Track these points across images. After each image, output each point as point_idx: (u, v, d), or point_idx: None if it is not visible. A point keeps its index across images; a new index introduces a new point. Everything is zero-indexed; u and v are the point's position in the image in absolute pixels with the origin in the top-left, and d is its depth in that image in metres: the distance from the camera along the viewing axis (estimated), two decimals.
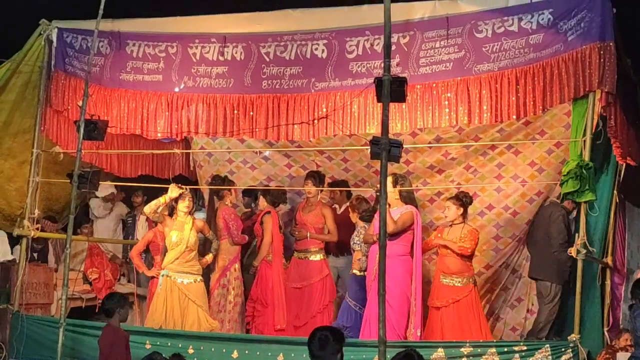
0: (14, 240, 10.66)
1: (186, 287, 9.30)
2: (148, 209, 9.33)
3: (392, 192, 9.09)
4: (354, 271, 9.83)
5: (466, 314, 9.14)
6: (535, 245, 9.67)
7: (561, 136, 9.71)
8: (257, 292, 10.37)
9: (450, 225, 9.35)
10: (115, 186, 11.93)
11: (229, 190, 10.57)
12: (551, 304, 9.23)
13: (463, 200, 9.33)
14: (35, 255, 10.80)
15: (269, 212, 10.39)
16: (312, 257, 10.43)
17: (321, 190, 10.58)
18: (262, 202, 10.56)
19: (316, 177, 10.52)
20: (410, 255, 9.15)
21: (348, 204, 10.50)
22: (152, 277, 9.98)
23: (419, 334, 8.97)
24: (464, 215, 9.35)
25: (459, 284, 9.18)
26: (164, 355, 6.97)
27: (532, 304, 10.26)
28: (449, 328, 9.09)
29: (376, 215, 9.30)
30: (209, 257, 9.89)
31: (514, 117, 8.61)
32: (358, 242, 9.73)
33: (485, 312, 10.44)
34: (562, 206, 9.19)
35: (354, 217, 9.99)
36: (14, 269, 9.86)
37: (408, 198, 9.36)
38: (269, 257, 10.33)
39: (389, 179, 9.05)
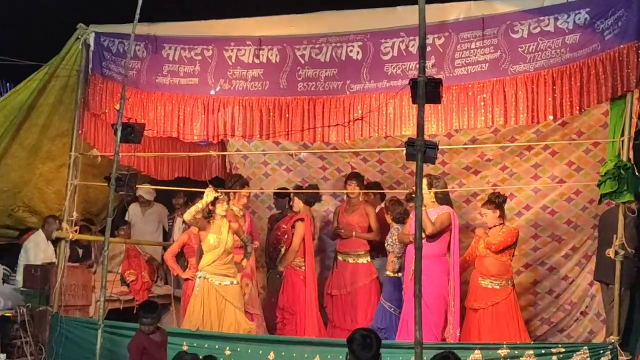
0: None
1: (223, 289, 9.29)
2: (188, 215, 9.29)
3: (427, 194, 9.09)
4: (388, 272, 9.86)
5: (504, 317, 9.13)
6: (602, 248, 9.47)
7: (599, 136, 9.66)
8: (283, 300, 10.43)
9: (490, 229, 9.32)
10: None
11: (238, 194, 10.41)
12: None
13: (496, 202, 9.30)
14: (80, 252, 10.94)
15: (302, 219, 10.43)
16: (360, 260, 10.45)
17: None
18: (298, 204, 10.55)
19: (359, 177, 10.52)
20: (447, 256, 9.15)
21: (382, 205, 10.51)
22: (187, 279, 10.04)
23: (458, 334, 8.97)
24: (502, 216, 9.32)
25: (497, 287, 9.17)
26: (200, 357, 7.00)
27: (586, 306, 10.23)
28: (487, 330, 9.09)
29: (412, 215, 9.32)
30: (244, 263, 9.83)
31: (551, 117, 8.57)
32: (392, 244, 9.75)
33: (532, 315, 10.43)
34: (630, 209, 8.97)
35: (389, 219, 10.00)
36: (53, 271, 9.99)
37: (444, 199, 9.36)
38: (294, 263, 10.37)
39: (424, 181, 9.05)
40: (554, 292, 10.52)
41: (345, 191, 10.58)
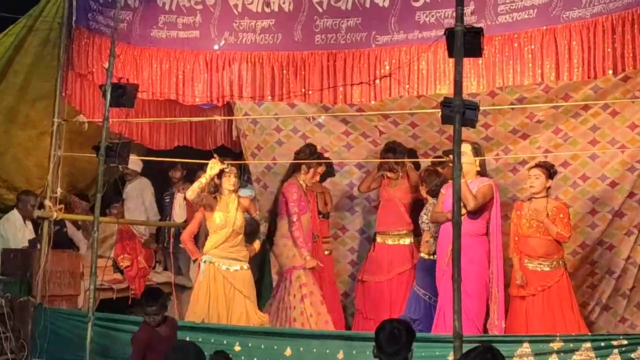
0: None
1: (232, 275, 9.37)
2: (192, 194, 9.33)
3: (472, 164, 9.10)
4: (422, 254, 9.89)
5: (558, 303, 9.14)
6: None
7: None
8: None
9: (530, 199, 9.31)
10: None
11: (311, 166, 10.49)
12: None
13: (550, 170, 9.29)
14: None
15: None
16: (401, 241, 10.51)
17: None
18: None
19: (395, 150, 10.53)
20: (487, 236, 9.16)
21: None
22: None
23: (503, 325, 8.99)
24: (549, 187, 9.32)
25: (547, 268, 9.19)
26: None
27: None
28: (537, 320, 9.09)
29: (444, 190, 9.30)
30: (256, 245, 9.91)
31: (610, 72, 8.47)
32: (427, 222, 9.76)
33: (588, 297, 10.49)
34: None
35: (423, 192, 10.01)
36: (34, 256, 10.03)
37: (483, 169, 9.39)
38: None
39: (469, 148, 9.07)
40: (614, 272, 10.48)
41: (364, 160, 10.64)
